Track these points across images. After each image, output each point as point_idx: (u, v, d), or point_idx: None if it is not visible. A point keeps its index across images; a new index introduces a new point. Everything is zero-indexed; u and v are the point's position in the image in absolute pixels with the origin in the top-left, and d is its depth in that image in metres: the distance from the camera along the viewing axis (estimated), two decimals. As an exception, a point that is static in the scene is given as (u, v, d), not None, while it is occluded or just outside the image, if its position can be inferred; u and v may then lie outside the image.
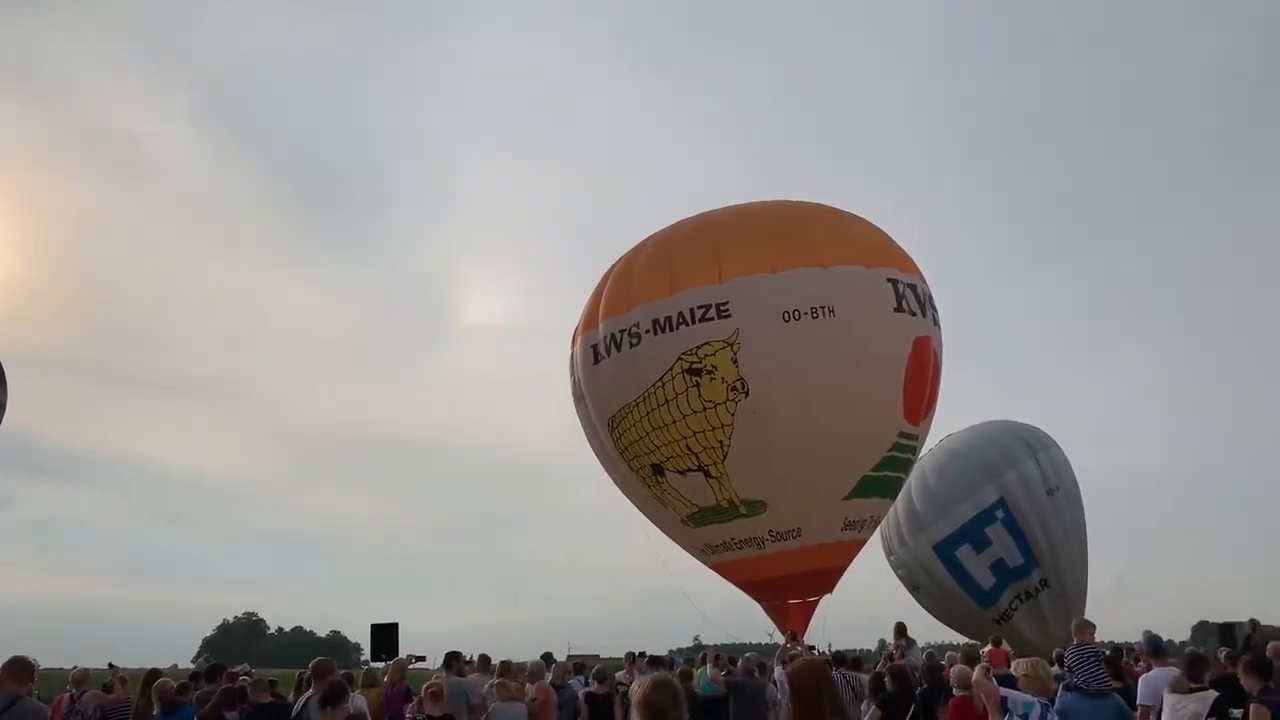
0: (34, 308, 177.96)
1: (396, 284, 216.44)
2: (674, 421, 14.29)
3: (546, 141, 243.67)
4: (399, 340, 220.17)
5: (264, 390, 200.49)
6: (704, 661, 13.17)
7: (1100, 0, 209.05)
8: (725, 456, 14.24)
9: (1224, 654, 10.94)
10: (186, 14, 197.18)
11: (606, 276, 16.00)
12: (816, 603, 15.91)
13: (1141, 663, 10.75)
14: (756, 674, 12.16)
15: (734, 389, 13.90)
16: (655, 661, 14.40)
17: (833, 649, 15.44)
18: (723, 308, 14.00)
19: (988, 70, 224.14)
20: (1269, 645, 8.84)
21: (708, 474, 14.50)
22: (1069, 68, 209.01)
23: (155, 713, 9.18)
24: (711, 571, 16.26)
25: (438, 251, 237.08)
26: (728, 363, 13.91)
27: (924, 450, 17.91)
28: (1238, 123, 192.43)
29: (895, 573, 21.64)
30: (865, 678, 11.08)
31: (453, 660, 10.87)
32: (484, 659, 11.51)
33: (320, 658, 8.85)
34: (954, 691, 8.01)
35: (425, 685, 9.29)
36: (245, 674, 11.72)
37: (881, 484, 15.25)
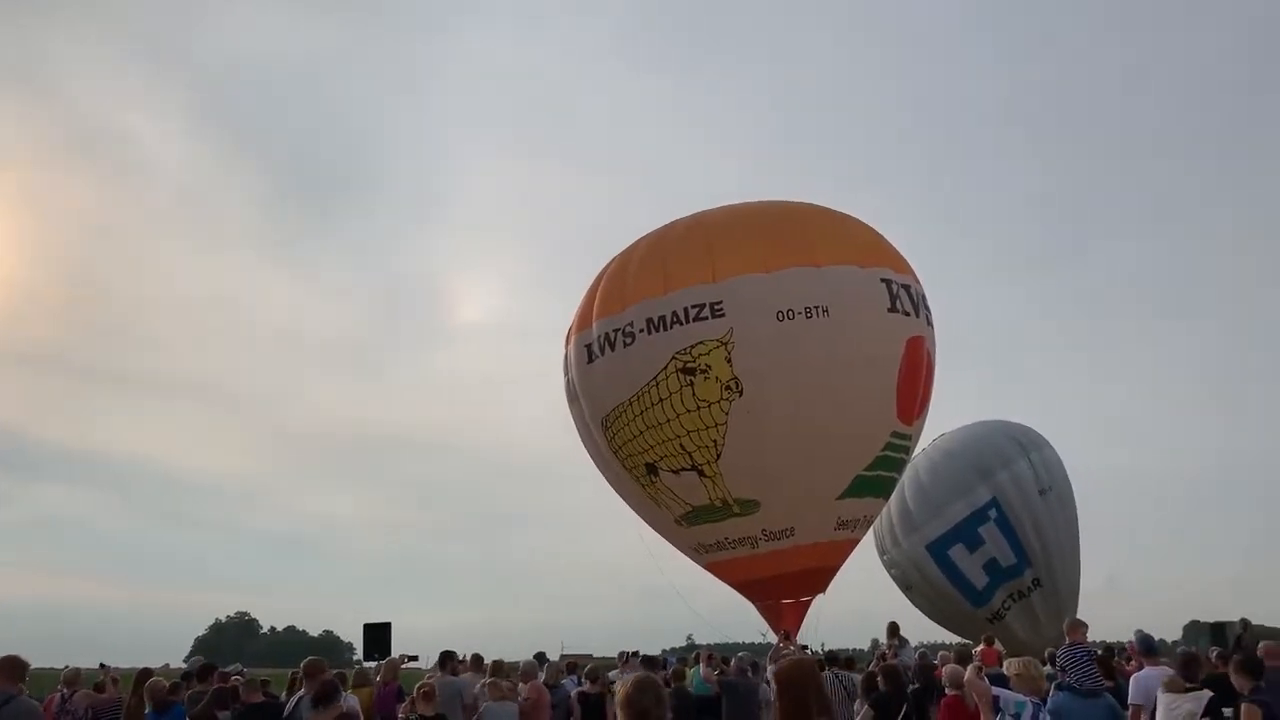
0: (33, 307, 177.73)
1: (396, 284, 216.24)
2: (668, 421, 14.31)
3: (546, 141, 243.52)
4: (398, 340, 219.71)
5: (263, 390, 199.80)
6: (697, 661, 13.16)
7: (1100, 0, 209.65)
8: (719, 456, 14.27)
9: (1215, 653, 10.96)
10: (186, 14, 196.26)
11: (600, 276, 15.99)
12: (809, 602, 15.94)
13: (1133, 662, 10.80)
14: (750, 673, 12.16)
15: (728, 388, 13.92)
16: (648, 661, 14.36)
17: (825, 648, 15.44)
18: (717, 307, 14.01)
19: (988, 70, 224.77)
20: (1260, 645, 8.84)
21: (701, 473, 14.52)
22: (1069, 68, 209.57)
23: (147, 712, 9.13)
24: (705, 571, 16.29)
25: (437, 251, 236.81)
26: (722, 362, 13.93)
27: (917, 450, 17.96)
28: (1237, 123, 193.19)
29: (888, 572, 21.70)
30: (858, 677, 11.11)
31: (447, 660, 10.86)
32: (477, 658, 11.47)
33: (311, 657, 8.84)
34: (946, 691, 8.03)
35: (417, 685, 9.27)
36: (237, 673, 11.66)
37: (875, 483, 15.28)
